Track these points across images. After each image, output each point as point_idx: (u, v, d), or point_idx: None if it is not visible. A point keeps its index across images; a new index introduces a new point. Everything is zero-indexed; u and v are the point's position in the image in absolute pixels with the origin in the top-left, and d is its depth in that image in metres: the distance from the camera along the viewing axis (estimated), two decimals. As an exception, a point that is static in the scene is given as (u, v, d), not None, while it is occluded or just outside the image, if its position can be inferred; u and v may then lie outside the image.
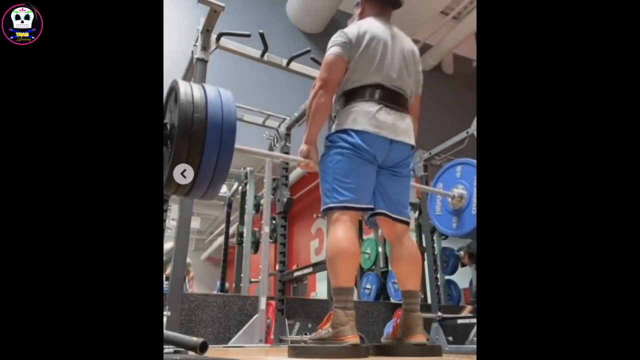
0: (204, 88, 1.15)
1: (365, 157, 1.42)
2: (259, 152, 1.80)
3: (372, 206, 1.46)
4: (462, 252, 3.72)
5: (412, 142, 1.52)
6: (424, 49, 5.45)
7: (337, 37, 1.51)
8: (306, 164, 1.50)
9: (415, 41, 5.95)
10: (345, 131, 1.43)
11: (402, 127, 1.48)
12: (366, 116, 1.43)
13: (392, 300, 3.45)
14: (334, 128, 1.50)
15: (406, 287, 1.48)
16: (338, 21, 4.94)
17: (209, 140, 1.04)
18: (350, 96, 1.48)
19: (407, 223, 1.53)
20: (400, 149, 1.48)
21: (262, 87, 3.88)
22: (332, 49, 1.49)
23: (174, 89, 1.12)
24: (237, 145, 1.22)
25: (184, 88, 1.11)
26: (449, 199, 2.17)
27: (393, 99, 1.49)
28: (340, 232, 1.35)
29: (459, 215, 2.17)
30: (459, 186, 2.16)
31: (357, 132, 1.41)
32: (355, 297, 3.57)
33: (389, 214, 1.48)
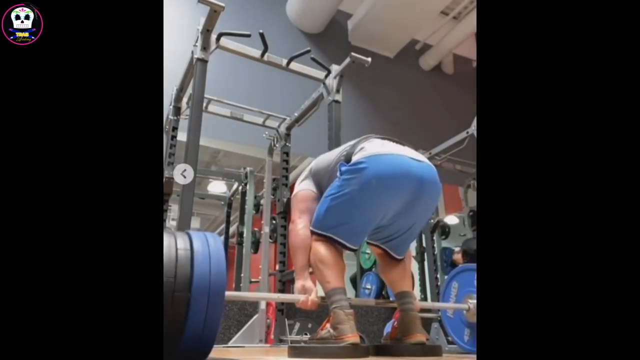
0: (192, 254, 0.99)
1: (380, 194, 1.27)
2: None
3: (356, 248, 1.38)
4: (457, 249, 3.63)
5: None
6: (424, 49, 5.45)
7: (298, 182, 1.53)
8: (305, 301, 1.39)
9: (415, 41, 5.91)
10: (358, 163, 1.27)
11: (416, 153, 1.35)
12: (375, 147, 1.32)
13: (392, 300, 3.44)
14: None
15: (399, 289, 1.48)
16: (338, 21, 4.94)
17: (190, 321, 0.95)
18: (350, 154, 1.34)
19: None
20: (430, 173, 1.32)
21: (262, 87, 3.88)
22: (297, 188, 1.50)
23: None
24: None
25: (167, 254, 0.95)
26: (464, 312, 1.92)
27: (394, 140, 1.40)
28: (320, 246, 1.35)
29: (472, 329, 1.94)
30: (474, 296, 1.91)
31: (372, 158, 1.26)
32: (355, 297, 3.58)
33: (391, 254, 1.46)
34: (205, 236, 1.05)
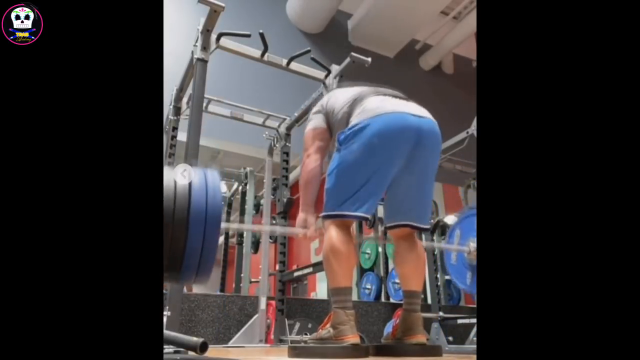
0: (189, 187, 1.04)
1: (383, 152, 1.30)
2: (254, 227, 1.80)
3: (368, 216, 1.36)
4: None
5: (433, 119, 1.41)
6: (424, 49, 5.45)
7: (310, 115, 1.55)
8: (304, 235, 1.43)
9: (415, 41, 5.90)
10: (357, 125, 1.32)
11: (418, 107, 1.39)
12: (374, 105, 1.34)
13: (392, 300, 3.45)
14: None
15: (409, 287, 1.46)
16: (338, 21, 4.94)
17: (190, 241, 0.99)
18: (351, 111, 1.39)
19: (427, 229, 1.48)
20: (429, 125, 1.37)
21: (262, 87, 3.88)
22: (308, 125, 1.53)
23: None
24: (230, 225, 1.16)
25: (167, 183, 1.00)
26: (465, 254, 2.00)
27: (397, 95, 1.44)
28: (334, 233, 1.33)
29: (473, 272, 2.00)
30: (475, 239, 1.97)
31: (371, 119, 1.30)
32: (355, 297, 3.58)
33: (415, 225, 1.42)
34: (203, 171, 1.10)
